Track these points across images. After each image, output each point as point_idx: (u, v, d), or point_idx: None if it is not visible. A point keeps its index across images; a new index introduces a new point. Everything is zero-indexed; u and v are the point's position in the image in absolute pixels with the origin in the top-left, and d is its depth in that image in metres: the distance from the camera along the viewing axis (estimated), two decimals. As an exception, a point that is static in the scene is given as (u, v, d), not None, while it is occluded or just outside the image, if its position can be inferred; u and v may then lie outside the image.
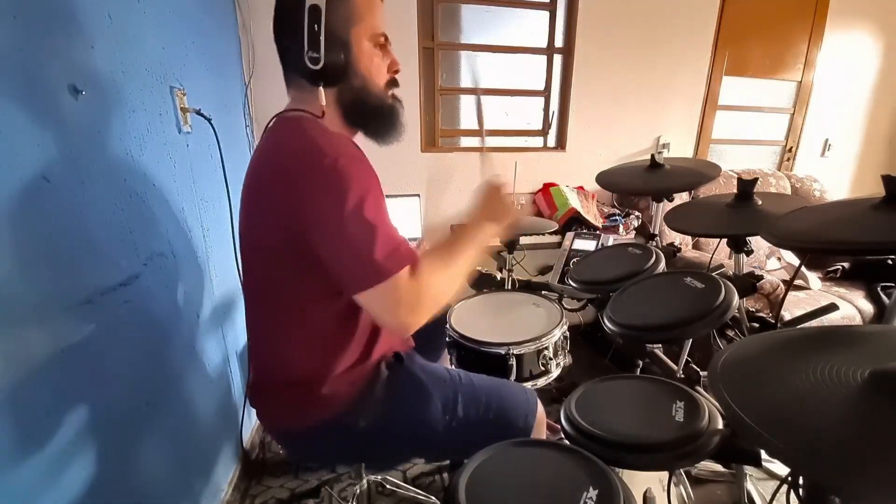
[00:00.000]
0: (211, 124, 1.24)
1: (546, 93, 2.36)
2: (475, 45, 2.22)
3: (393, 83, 0.82)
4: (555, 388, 1.82)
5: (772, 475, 1.27)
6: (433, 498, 1.35)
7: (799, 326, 1.17)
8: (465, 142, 2.36)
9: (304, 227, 0.67)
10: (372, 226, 0.66)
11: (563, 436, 0.73)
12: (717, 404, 0.72)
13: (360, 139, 0.85)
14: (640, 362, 1.21)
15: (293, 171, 0.69)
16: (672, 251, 1.32)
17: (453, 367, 1.12)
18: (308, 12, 0.69)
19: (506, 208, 0.86)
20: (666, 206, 1.35)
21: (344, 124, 0.81)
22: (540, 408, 0.89)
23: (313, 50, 0.70)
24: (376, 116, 0.82)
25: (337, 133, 0.76)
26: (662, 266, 1.12)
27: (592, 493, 0.55)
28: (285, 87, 0.81)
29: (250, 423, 1.60)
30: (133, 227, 0.89)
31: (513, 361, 1.01)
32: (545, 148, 2.43)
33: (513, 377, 1.02)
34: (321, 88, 0.75)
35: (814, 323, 1.09)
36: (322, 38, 0.70)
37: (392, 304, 0.67)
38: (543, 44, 2.29)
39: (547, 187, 2.27)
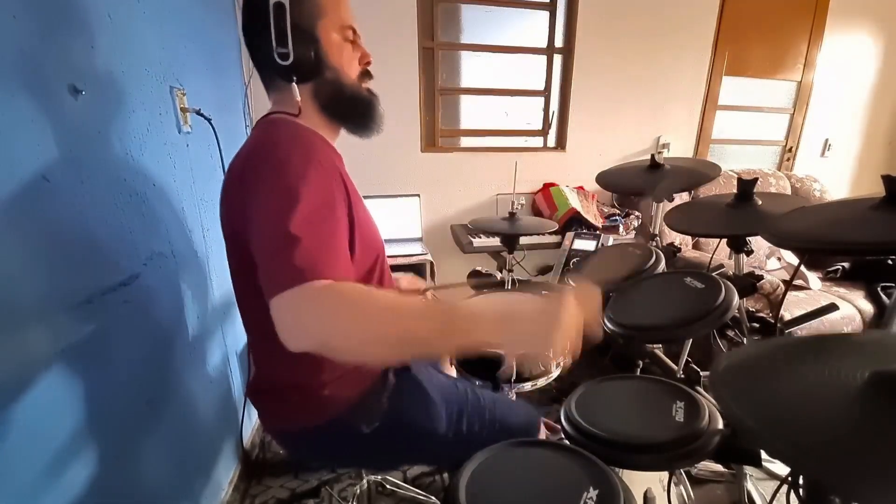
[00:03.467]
0: (211, 124, 1.24)
1: (546, 93, 2.36)
2: (475, 45, 2.22)
3: (366, 75, 0.83)
4: (555, 388, 1.82)
5: (772, 475, 1.27)
6: (433, 498, 1.35)
7: (799, 330, 1.17)
8: (466, 142, 2.36)
9: (245, 224, 0.65)
10: (295, 235, 0.56)
11: (563, 436, 0.73)
12: (717, 404, 0.72)
13: (344, 138, 0.85)
14: (640, 362, 1.21)
15: (244, 169, 0.69)
16: (672, 251, 1.32)
17: (453, 367, 1.12)
18: (273, 10, 0.69)
19: (552, 341, 0.54)
20: (666, 206, 1.35)
21: (324, 121, 0.80)
22: (543, 429, 0.90)
23: (281, 45, 0.71)
24: (354, 108, 0.82)
25: (309, 133, 0.75)
26: (662, 266, 1.12)
27: (592, 493, 0.55)
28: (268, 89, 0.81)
29: (250, 423, 1.61)
30: (133, 227, 0.89)
31: (513, 361, 1.01)
32: (545, 148, 2.43)
33: (513, 377, 1.02)
34: (294, 85, 0.75)
35: (814, 323, 1.09)
36: (289, 33, 0.70)
37: (297, 311, 0.54)
38: (543, 44, 2.29)
39: (547, 187, 2.27)
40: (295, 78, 0.75)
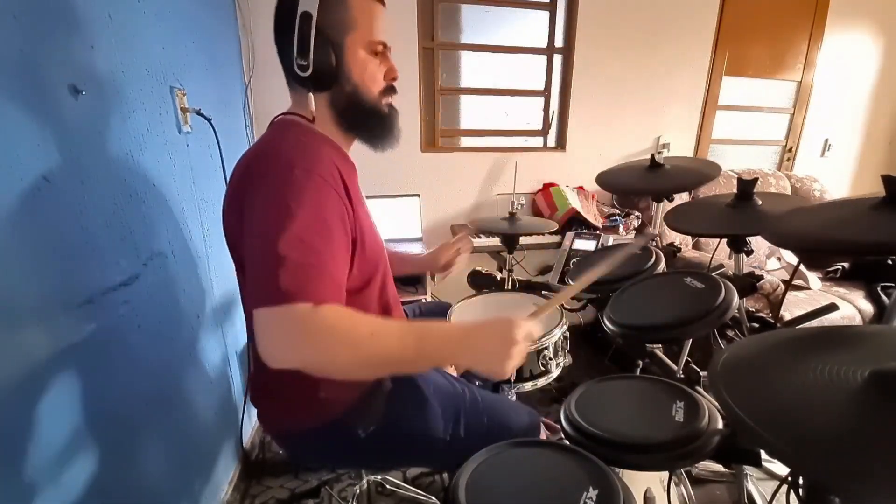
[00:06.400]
0: (211, 124, 1.24)
1: (546, 93, 2.36)
2: (475, 45, 2.22)
3: (389, 90, 0.81)
4: (555, 388, 1.82)
5: (772, 475, 1.27)
6: (433, 498, 1.35)
7: (799, 326, 1.17)
8: (465, 142, 2.36)
9: (242, 226, 0.66)
10: (282, 255, 0.58)
11: (563, 436, 0.73)
12: (717, 404, 0.72)
13: (357, 146, 0.85)
14: (640, 362, 1.21)
15: (250, 172, 0.69)
16: (672, 251, 1.32)
17: (453, 367, 1.12)
18: (300, 19, 0.69)
19: (507, 362, 0.61)
20: (666, 206, 1.35)
21: (338, 130, 0.80)
22: (543, 432, 0.90)
23: (302, 57, 0.70)
24: (369, 123, 0.81)
25: (318, 142, 0.75)
26: (662, 266, 1.12)
27: (592, 493, 0.55)
28: (287, 87, 0.81)
29: (250, 423, 1.61)
30: (133, 227, 0.89)
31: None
32: (545, 148, 2.43)
33: (513, 377, 1.02)
34: (311, 93, 0.75)
35: (814, 323, 1.09)
36: (312, 44, 0.70)
37: (277, 332, 0.57)
38: (543, 44, 2.29)
39: (547, 187, 2.27)
40: (311, 88, 0.75)
